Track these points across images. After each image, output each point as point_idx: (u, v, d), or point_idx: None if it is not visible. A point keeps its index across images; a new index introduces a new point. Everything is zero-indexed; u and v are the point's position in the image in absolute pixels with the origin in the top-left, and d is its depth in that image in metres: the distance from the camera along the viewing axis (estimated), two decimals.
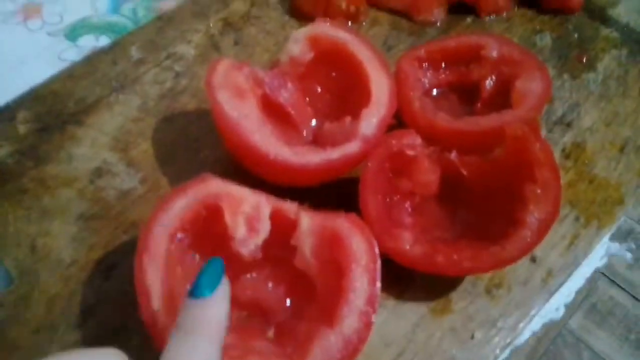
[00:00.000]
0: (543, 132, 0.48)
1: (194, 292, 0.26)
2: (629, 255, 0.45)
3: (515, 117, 0.40)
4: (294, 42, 0.44)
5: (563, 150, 0.47)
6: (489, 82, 0.45)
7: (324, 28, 0.45)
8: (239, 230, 0.34)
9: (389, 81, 0.43)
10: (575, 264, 0.42)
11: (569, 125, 0.48)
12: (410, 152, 0.40)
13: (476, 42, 0.47)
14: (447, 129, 0.41)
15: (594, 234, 0.44)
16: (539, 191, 0.36)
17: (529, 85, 0.43)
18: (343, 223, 0.34)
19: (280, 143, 0.39)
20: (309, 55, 0.45)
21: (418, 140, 0.40)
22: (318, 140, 0.44)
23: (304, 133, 0.45)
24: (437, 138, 0.42)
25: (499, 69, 0.45)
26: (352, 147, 0.39)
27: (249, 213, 0.35)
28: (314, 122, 0.46)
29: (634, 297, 0.45)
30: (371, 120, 0.41)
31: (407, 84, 0.45)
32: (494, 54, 0.45)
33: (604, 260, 0.45)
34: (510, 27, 0.54)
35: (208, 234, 0.35)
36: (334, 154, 0.39)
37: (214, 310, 0.25)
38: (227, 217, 0.34)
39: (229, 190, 0.35)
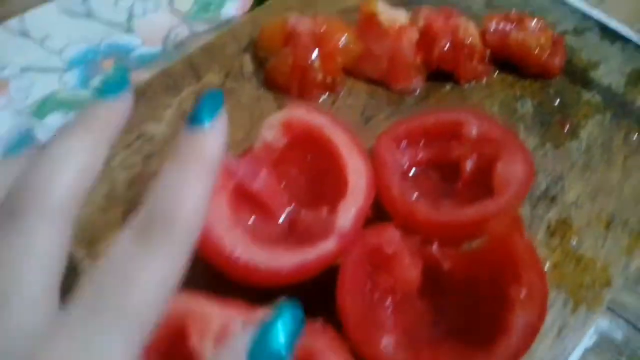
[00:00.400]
0: (527, 209, 0.46)
1: (192, 121, 0.24)
2: (620, 334, 0.43)
3: (498, 207, 0.39)
4: (268, 129, 0.43)
5: (548, 227, 0.46)
6: (469, 163, 0.44)
7: (298, 112, 0.43)
8: (207, 352, 0.32)
9: (366, 168, 0.41)
10: (565, 355, 0.40)
11: (553, 200, 0.47)
12: (389, 250, 0.38)
13: (456, 119, 0.45)
14: (427, 219, 0.40)
15: (584, 319, 0.42)
16: (524, 294, 0.35)
17: (511, 169, 0.41)
18: (318, 341, 0.33)
19: (251, 245, 0.37)
20: (283, 141, 0.43)
21: (397, 236, 0.38)
22: (294, 227, 0.43)
23: (280, 219, 0.43)
24: (417, 227, 0.40)
25: (479, 148, 0.44)
26: (328, 246, 0.38)
27: (218, 332, 0.33)
28: (290, 206, 0.44)
29: (626, 320, 0.44)
30: (348, 213, 0.39)
31: (385, 168, 0.43)
32: (474, 132, 0.44)
33: (594, 339, 0.43)
34: (491, 94, 0.53)
35: (174, 356, 0.33)
36: (309, 254, 0.37)
37: (211, 140, 0.24)
38: (194, 340, 0.32)
39: (196, 308, 0.33)
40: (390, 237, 0.38)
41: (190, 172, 0.23)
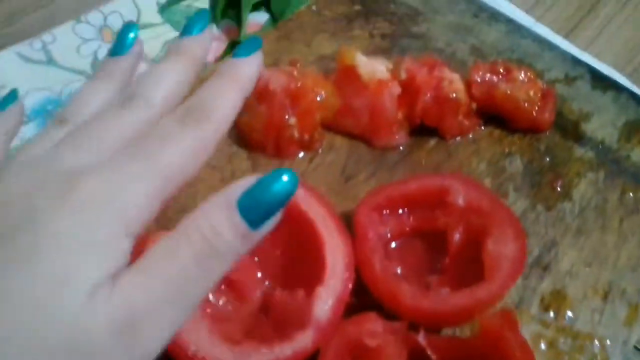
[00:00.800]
0: (519, 279, 0.43)
1: (234, 54, 0.31)
2: None
3: (489, 294, 0.36)
4: None
5: (542, 300, 0.43)
6: (456, 236, 0.41)
7: None
8: None
9: (345, 246, 0.38)
10: None
11: (546, 268, 0.44)
12: (372, 343, 0.35)
13: (440, 186, 0.42)
14: (412, 306, 0.36)
15: None
16: None
17: (501, 248, 0.38)
18: None
19: (218, 342, 0.33)
20: None
21: (380, 327, 0.35)
22: (268, 308, 0.39)
23: (253, 298, 0.40)
24: (402, 312, 0.37)
25: (467, 218, 0.41)
26: (304, 340, 0.34)
27: None
28: (264, 283, 0.40)
29: None
30: (326, 301, 0.36)
31: (366, 243, 0.40)
32: (460, 201, 0.41)
33: None
34: (477, 150, 0.50)
35: None
36: (283, 350, 0.34)
37: (246, 67, 0.31)
38: None
39: None
40: (372, 328, 0.35)
41: (228, 85, 0.29)
